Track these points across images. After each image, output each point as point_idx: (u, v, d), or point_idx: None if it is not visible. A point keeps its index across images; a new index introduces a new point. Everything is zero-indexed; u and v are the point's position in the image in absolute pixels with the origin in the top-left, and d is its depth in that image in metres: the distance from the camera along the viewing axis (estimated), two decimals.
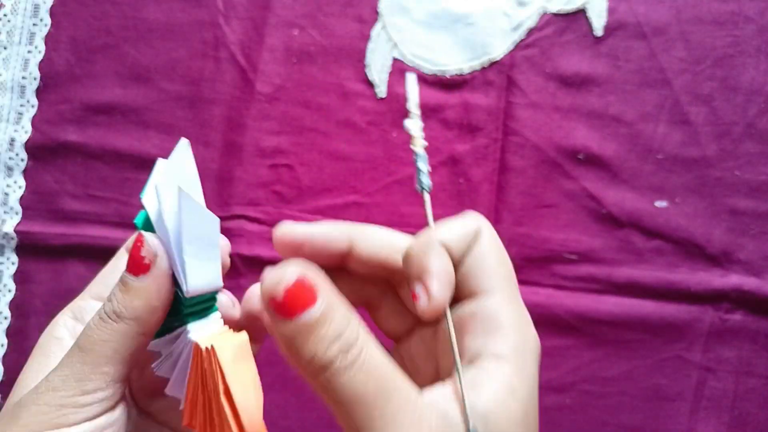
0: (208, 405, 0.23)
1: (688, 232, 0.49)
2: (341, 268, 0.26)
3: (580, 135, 0.50)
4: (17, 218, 0.51)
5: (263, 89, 0.51)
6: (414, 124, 0.26)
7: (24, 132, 0.52)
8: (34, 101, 0.52)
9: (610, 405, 0.49)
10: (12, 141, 0.51)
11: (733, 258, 0.49)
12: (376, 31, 0.51)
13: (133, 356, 0.24)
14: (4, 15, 0.52)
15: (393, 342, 0.28)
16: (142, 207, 0.24)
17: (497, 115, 0.50)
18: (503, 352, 0.23)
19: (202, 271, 0.24)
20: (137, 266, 0.23)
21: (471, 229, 0.25)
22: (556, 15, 0.51)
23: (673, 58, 0.50)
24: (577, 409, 0.49)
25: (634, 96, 0.50)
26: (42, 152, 0.51)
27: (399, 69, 0.51)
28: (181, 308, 0.24)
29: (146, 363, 0.26)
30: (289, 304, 0.20)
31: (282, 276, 0.20)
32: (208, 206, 0.23)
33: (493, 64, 0.51)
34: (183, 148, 0.24)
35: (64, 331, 0.26)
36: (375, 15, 0.51)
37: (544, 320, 0.49)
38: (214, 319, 0.25)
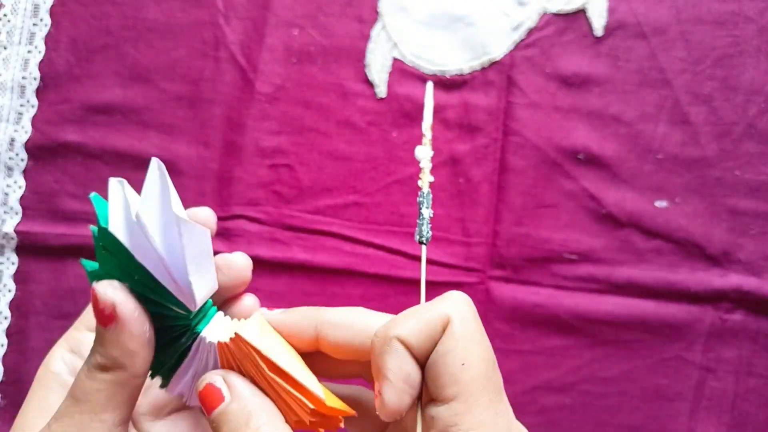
0: (269, 389, 0.24)
1: (688, 232, 0.49)
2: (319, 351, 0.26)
3: (580, 135, 0.50)
4: (17, 218, 0.51)
5: (263, 89, 0.51)
6: (425, 154, 0.25)
7: (24, 132, 0.52)
8: (34, 101, 0.52)
9: (610, 405, 0.49)
10: (12, 141, 0.51)
11: (733, 258, 0.49)
12: (376, 31, 0.51)
13: (132, 398, 0.23)
14: (4, 15, 0.52)
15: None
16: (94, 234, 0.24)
17: (497, 115, 0.50)
18: None
19: (203, 282, 0.24)
20: (102, 318, 0.23)
21: (437, 322, 0.23)
22: (556, 15, 0.51)
23: (673, 58, 0.50)
24: (577, 409, 0.49)
25: (634, 96, 0.50)
26: (42, 152, 0.51)
27: (399, 69, 0.51)
28: (188, 323, 0.24)
29: (147, 387, 0.26)
30: (207, 404, 0.24)
31: (199, 383, 0.24)
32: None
33: (493, 64, 0.51)
34: (154, 169, 0.24)
35: (61, 365, 0.27)
36: (375, 15, 0.51)
37: (544, 320, 0.49)
38: (219, 317, 0.26)
